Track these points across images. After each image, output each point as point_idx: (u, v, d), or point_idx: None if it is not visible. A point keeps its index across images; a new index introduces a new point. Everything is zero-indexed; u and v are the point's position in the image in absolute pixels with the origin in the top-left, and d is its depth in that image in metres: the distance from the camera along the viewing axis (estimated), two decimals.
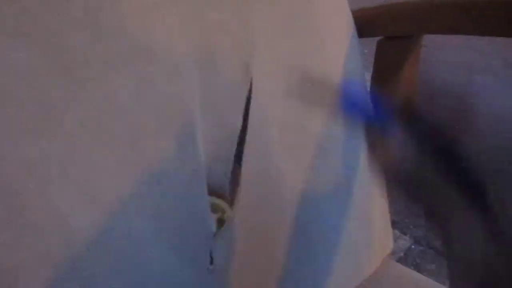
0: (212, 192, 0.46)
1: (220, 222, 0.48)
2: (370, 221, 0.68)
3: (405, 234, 1.44)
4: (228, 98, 0.47)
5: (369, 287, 0.69)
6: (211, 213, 0.46)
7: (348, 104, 0.39)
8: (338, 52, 0.57)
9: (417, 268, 1.33)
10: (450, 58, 2.48)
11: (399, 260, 1.35)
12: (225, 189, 0.48)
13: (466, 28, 0.57)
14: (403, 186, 0.35)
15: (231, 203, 0.48)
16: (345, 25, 0.59)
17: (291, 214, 0.54)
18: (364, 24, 0.59)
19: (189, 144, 0.43)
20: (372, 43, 0.66)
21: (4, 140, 0.35)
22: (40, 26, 0.35)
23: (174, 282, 0.43)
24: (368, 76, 0.63)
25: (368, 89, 0.60)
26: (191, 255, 0.44)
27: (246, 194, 0.49)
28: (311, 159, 0.55)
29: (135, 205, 0.41)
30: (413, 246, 1.42)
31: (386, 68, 0.61)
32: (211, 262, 0.45)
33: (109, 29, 0.38)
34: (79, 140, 0.38)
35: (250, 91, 0.48)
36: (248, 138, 0.48)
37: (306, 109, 0.53)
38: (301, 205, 0.55)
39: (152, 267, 0.42)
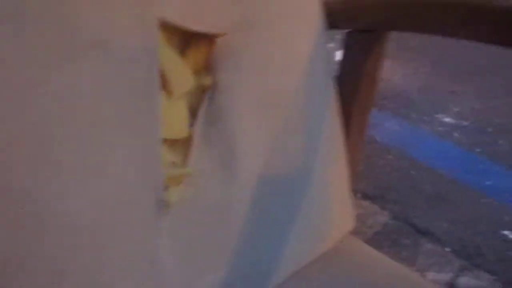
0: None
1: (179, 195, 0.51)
2: (328, 199, 0.70)
3: (384, 209, 1.48)
4: None
5: (325, 260, 0.72)
6: (173, 186, 0.50)
7: None
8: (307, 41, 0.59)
9: (394, 242, 1.36)
10: None
11: (376, 234, 1.39)
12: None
13: (432, 27, 0.59)
14: None
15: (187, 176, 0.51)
16: (315, 15, 0.61)
17: (250, 187, 0.57)
18: (333, 16, 0.61)
19: (150, 136, 0.46)
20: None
21: None
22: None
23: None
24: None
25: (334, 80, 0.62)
26: (139, 223, 0.47)
27: (205, 168, 0.52)
28: (273, 135, 0.57)
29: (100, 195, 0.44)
30: (390, 222, 1.46)
31: (351, 61, 0.63)
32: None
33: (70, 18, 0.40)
34: (44, 132, 0.40)
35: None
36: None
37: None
38: (260, 179, 0.57)
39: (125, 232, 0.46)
